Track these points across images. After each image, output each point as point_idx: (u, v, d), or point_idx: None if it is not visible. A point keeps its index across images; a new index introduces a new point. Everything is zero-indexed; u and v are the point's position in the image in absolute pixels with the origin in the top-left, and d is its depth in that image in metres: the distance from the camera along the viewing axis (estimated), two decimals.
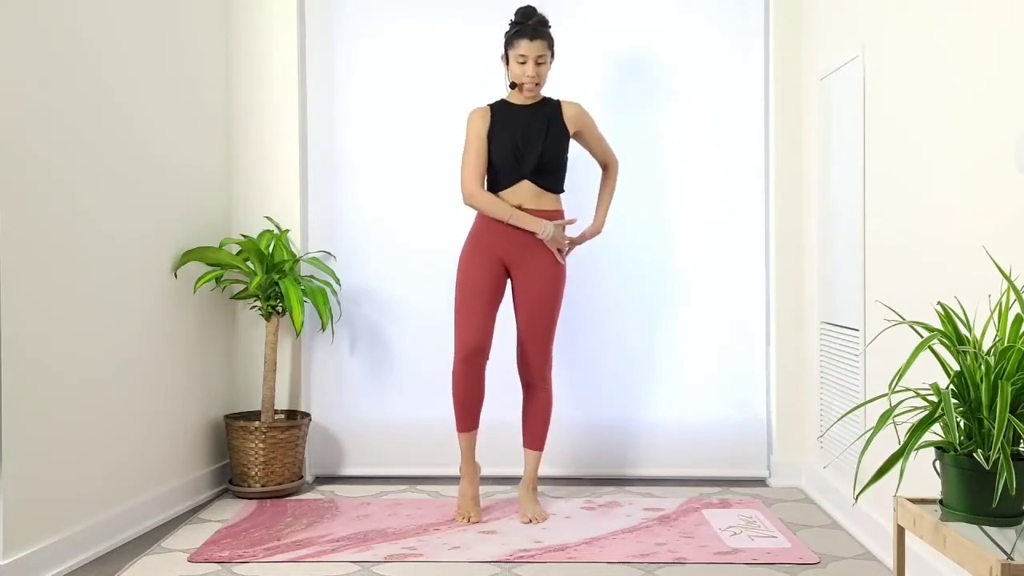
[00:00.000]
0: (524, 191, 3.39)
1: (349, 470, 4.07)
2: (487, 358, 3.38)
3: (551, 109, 3.45)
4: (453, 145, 3.98)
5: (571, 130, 3.46)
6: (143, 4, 3.31)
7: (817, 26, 3.72)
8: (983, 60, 2.34)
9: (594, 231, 3.56)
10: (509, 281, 3.45)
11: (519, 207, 3.38)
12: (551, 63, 3.42)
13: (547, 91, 3.51)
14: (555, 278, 3.42)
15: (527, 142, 3.37)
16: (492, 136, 3.40)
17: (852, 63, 3.25)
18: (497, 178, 3.41)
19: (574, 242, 3.51)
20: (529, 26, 3.33)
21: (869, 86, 3.10)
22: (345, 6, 4.06)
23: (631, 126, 4.01)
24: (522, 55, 3.34)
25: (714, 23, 4.03)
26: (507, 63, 3.42)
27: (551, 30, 3.40)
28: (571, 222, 3.43)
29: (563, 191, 3.47)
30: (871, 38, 3.09)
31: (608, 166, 3.59)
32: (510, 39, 3.37)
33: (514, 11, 3.41)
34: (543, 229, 3.34)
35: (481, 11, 3.95)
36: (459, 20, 4.04)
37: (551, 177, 3.41)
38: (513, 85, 3.42)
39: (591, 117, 3.53)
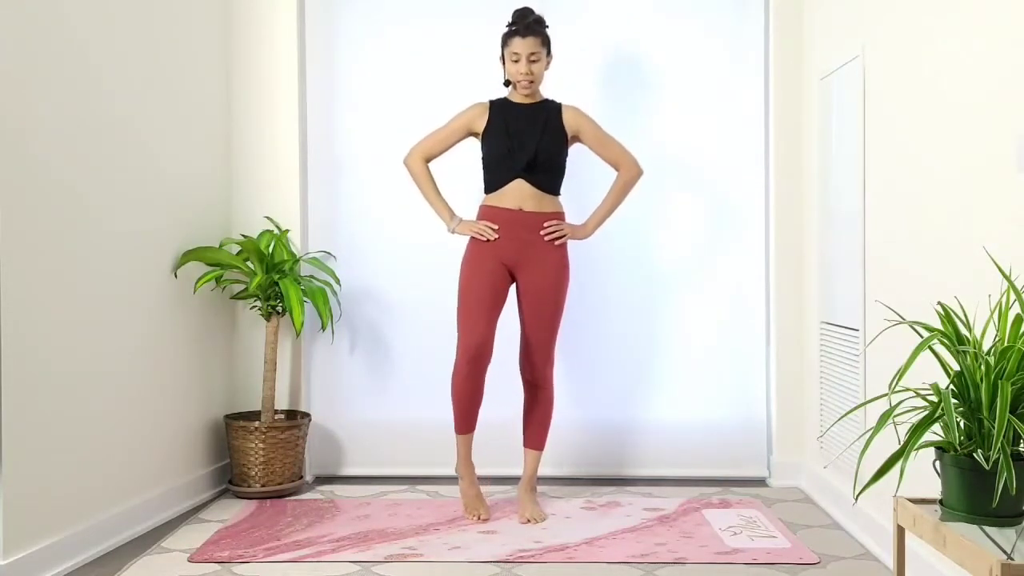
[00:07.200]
0: (521, 191, 3.37)
1: (349, 470, 4.07)
2: (489, 361, 3.38)
3: (550, 111, 3.44)
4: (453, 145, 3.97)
5: (569, 133, 3.43)
6: (143, 4, 3.31)
7: (817, 26, 3.72)
8: (984, 59, 2.34)
9: (581, 234, 3.45)
10: (513, 282, 3.45)
11: (519, 209, 3.38)
12: (547, 61, 3.41)
13: (550, 94, 3.52)
14: (559, 277, 3.41)
15: (521, 139, 3.36)
16: (487, 132, 3.40)
17: (852, 63, 3.25)
18: (493, 175, 3.41)
19: (571, 233, 3.43)
20: (522, 25, 3.33)
21: (869, 86, 3.10)
22: (346, 7, 4.06)
23: (631, 126, 4.00)
24: (515, 53, 3.34)
25: (714, 24, 4.02)
26: (504, 63, 3.43)
27: (547, 30, 3.39)
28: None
29: (559, 193, 3.46)
30: (871, 38, 3.09)
31: (620, 167, 3.47)
32: (504, 39, 3.39)
33: (512, 12, 3.41)
34: (450, 226, 3.46)
35: (482, 11, 3.95)
36: (460, 20, 4.04)
37: (546, 176, 3.39)
38: (508, 83, 3.43)
39: (591, 119, 3.46)
